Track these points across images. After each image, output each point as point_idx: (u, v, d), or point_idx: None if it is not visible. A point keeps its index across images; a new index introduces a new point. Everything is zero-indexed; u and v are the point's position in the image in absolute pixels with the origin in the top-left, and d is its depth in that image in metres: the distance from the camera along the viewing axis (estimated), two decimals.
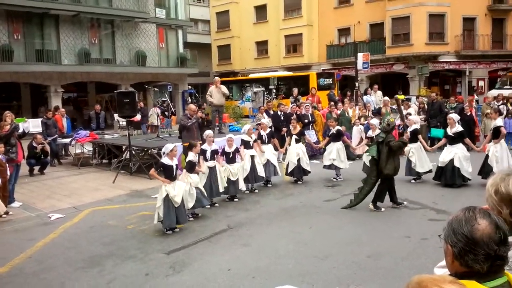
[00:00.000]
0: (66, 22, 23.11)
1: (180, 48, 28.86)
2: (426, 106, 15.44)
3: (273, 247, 6.51)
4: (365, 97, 17.55)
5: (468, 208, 1.70)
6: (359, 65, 22.16)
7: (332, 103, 15.79)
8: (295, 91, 18.53)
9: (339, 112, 14.71)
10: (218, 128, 14.39)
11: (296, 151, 10.47)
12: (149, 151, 13.02)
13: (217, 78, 15.14)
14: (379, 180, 8.12)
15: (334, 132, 10.80)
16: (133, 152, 12.31)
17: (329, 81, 25.52)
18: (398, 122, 10.54)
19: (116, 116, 17.31)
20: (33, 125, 17.11)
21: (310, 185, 10.48)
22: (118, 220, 8.16)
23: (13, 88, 23.57)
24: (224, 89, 14.24)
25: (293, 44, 35.49)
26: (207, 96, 14.45)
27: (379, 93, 17.85)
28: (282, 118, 13.44)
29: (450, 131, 9.78)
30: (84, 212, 8.84)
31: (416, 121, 10.69)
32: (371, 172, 8.17)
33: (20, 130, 10.00)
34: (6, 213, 8.56)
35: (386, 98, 15.57)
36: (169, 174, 7.39)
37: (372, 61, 25.26)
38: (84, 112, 27.63)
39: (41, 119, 14.89)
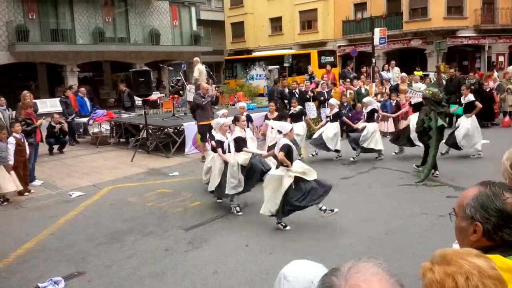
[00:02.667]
0: (79, 1, 23.08)
1: (194, 26, 28.63)
2: (444, 82, 15.16)
3: (289, 224, 6.57)
4: (383, 73, 17.28)
5: (487, 183, 1.67)
6: (376, 41, 21.75)
7: (348, 80, 15.62)
8: (310, 68, 18.36)
9: (356, 89, 14.57)
10: None
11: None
12: (165, 130, 13.12)
13: (195, 58, 15.18)
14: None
15: (296, 111, 10.75)
16: (150, 131, 12.41)
17: (330, 59, 25.55)
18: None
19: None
20: (51, 104, 17.36)
21: (326, 163, 10.48)
22: (137, 197, 8.31)
23: (29, 68, 23.77)
24: (196, 68, 14.31)
25: (308, 20, 34.90)
26: None
27: (397, 69, 17.56)
28: (297, 96, 13.34)
29: (413, 100, 10.62)
30: (104, 189, 9.01)
31: (371, 102, 10.74)
32: (437, 142, 8.41)
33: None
34: (28, 191, 8.76)
35: (404, 74, 15.32)
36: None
37: (389, 37, 24.75)
38: (100, 91, 27.85)
39: (59, 98, 15.03)
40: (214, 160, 7.43)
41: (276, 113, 10.57)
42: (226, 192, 7.10)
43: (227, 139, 7.35)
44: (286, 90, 14.22)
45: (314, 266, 1.48)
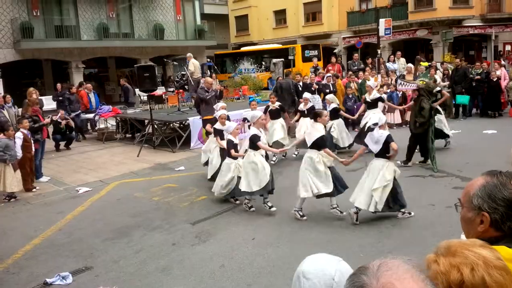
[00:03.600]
0: None
1: (198, 20, 28.54)
2: (450, 73, 15.05)
3: (296, 217, 6.56)
4: (388, 64, 17.15)
5: (494, 172, 1.65)
6: (381, 32, 21.59)
7: (351, 72, 15.53)
8: (315, 60, 18.28)
9: (360, 81, 14.48)
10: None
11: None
12: (171, 124, 13.12)
13: (188, 54, 15.68)
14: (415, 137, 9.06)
15: (274, 107, 10.28)
16: (155, 126, 12.42)
17: (314, 52, 26.61)
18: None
19: (137, 90, 17.35)
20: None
21: None
22: (144, 192, 8.34)
23: (35, 65, 23.82)
24: (190, 62, 14.87)
25: (312, 12, 34.66)
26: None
27: (402, 60, 17.43)
28: (300, 89, 13.23)
29: (368, 97, 10.45)
30: (111, 185, 9.05)
31: (333, 100, 10.61)
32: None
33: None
34: (33, 187, 8.80)
35: (410, 64, 15.21)
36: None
37: (394, 27, 24.58)
38: (105, 87, 27.89)
39: (64, 95, 15.05)
40: (253, 160, 6.77)
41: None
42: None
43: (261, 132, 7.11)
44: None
45: (333, 260, 1.43)
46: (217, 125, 7.88)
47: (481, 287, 1.20)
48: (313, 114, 6.87)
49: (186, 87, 21.40)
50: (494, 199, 1.58)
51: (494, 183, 1.61)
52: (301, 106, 10.57)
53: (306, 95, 10.70)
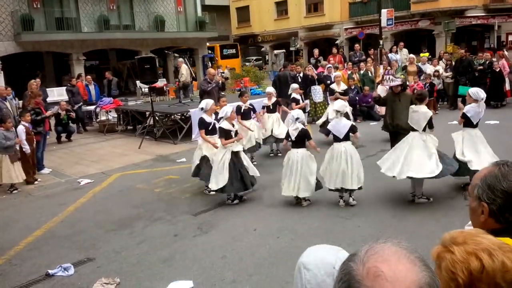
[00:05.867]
0: None
1: (198, 12, 28.38)
2: (453, 63, 14.94)
3: (297, 207, 6.57)
4: (391, 55, 17.07)
5: (500, 163, 1.63)
6: (383, 22, 21.37)
7: (351, 63, 15.45)
8: (316, 52, 18.14)
9: (362, 72, 14.42)
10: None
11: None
12: (172, 116, 13.11)
13: (180, 59, 15.86)
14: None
15: (247, 107, 9.47)
16: (157, 118, 12.40)
17: (232, 51, 31.41)
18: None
19: (138, 82, 17.32)
20: (58, 93, 17.43)
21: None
22: (146, 184, 8.35)
23: (36, 57, 23.79)
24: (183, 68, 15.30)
25: (314, 3, 34.45)
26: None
27: (405, 50, 17.32)
28: (300, 80, 13.15)
29: (337, 89, 10.88)
30: (112, 177, 9.05)
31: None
32: None
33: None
34: (35, 179, 8.82)
35: (412, 55, 15.14)
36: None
37: (396, 18, 24.37)
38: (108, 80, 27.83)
39: (66, 87, 15.04)
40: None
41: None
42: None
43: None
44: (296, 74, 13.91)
45: (333, 249, 1.42)
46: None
47: (501, 272, 1.18)
48: (418, 97, 6.86)
49: None
50: (493, 190, 1.56)
51: (495, 173, 1.59)
52: (266, 101, 9.91)
53: (269, 89, 10.16)
